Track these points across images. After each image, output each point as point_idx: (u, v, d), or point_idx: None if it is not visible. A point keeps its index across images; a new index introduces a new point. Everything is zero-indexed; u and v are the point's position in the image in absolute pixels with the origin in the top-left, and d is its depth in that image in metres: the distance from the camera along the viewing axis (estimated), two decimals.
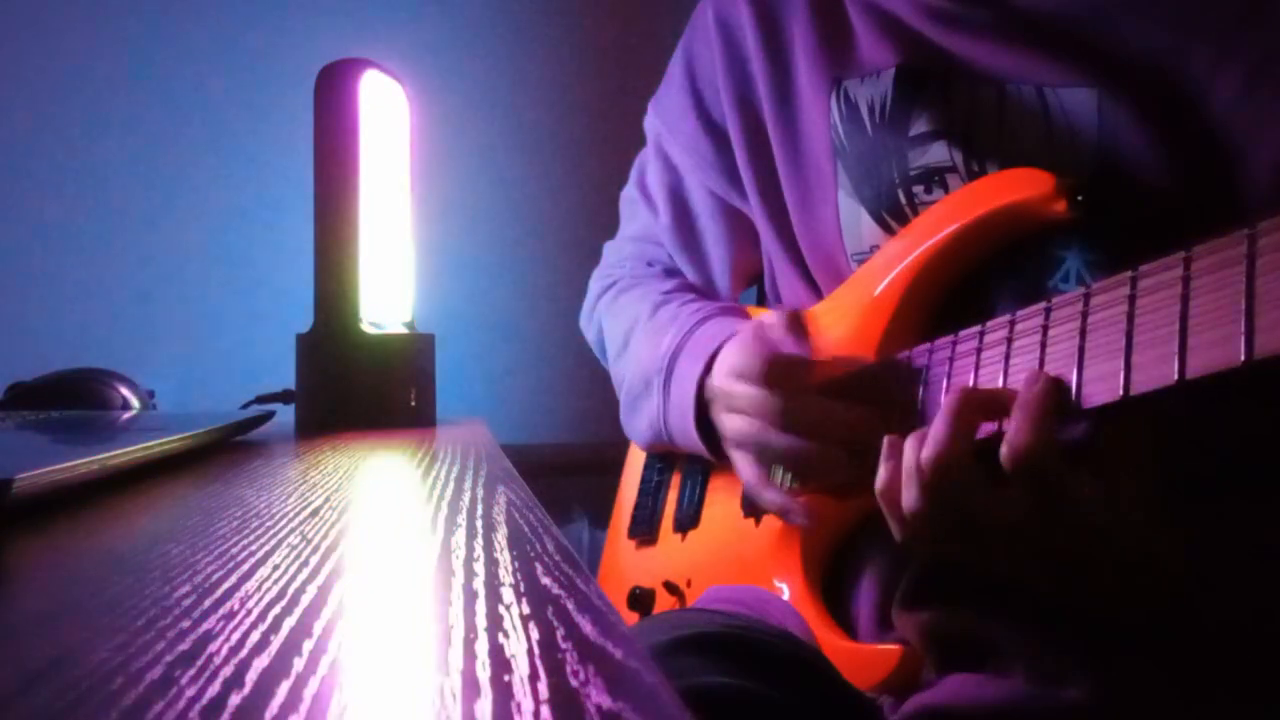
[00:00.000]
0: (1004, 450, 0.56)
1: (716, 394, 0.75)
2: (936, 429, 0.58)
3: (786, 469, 0.73)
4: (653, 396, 0.85)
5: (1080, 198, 0.63)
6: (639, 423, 0.89)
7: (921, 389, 0.66)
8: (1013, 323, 0.60)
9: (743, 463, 0.74)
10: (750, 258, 0.91)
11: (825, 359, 0.71)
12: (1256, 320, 0.47)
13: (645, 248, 1.01)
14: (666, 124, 0.93)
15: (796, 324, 0.71)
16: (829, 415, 0.69)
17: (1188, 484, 0.62)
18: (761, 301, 0.95)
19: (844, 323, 0.76)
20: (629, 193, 1.02)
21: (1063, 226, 0.65)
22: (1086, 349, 0.55)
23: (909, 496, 0.59)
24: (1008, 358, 0.60)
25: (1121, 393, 0.52)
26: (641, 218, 1.00)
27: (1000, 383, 0.59)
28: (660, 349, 0.84)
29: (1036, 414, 0.56)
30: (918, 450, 0.59)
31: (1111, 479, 0.58)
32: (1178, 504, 0.61)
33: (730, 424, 0.74)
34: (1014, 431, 0.56)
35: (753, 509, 0.81)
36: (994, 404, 0.59)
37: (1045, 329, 0.58)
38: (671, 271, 0.98)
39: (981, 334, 0.62)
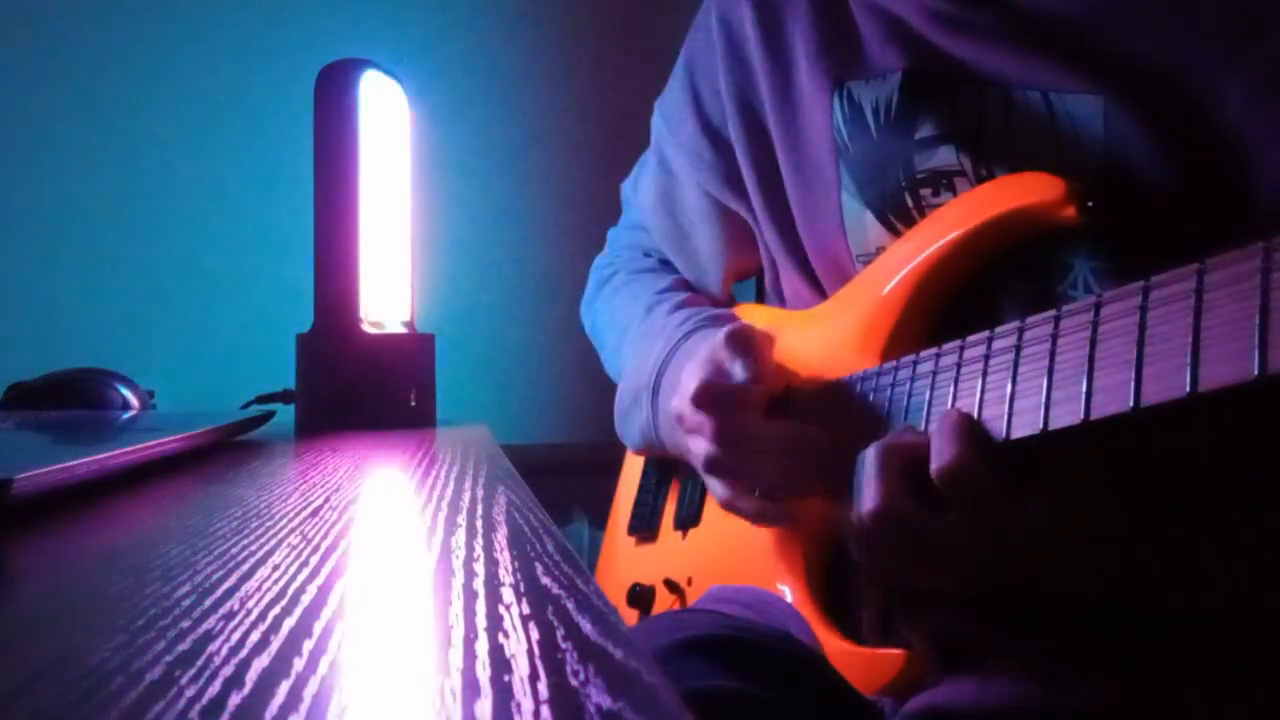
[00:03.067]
0: (932, 467, 0.59)
1: (674, 416, 0.77)
2: (869, 482, 0.61)
3: (742, 485, 0.75)
4: (643, 409, 0.87)
5: (1090, 203, 0.63)
6: (631, 430, 0.91)
7: (928, 392, 0.66)
8: (1021, 330, 0.60)
9: (709, 480, 0.77)
10: (742, 259, 0.92)
11: (761, 381, 0.73)
12: (1271, 335, 0.46)
13: (642, 236, 1.03)
14: (668, 124, 0.94)
15: (742, 343, 0.73)
16: (764, 434, 0.72)
17: (1146, 505, 0.62)
18: (760, 296, 0.95)
19: (849, 323, 0.76)
20: (630, 183, 1.05)
21: (1072, 232, 0.65)
22: (1097, 359, 0.54)
23: (858, 550, 0.63)
24: (1016, 365, 0.59)
25: (1132, 404, 0.52)
26: (637, 211, 1.02)
27: (1008, 390, 0.59)
28: (648, 363, 0.86)
29: (951, 431, 0.59)
30: (859, 497, 0.62)
31: (1060, 500, 0.60)
32: (1131, 526, 0.62)
33: (690, 445, 0.77)
34: (936, 449, 0.59)
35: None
36: (915, 447, 0.62)
37: (1054, 337, 0.57)
38: (668, 262, 1.00)
39: (990, 340, 0.62)
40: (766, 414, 0.73)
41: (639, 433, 0.89)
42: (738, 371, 0.73)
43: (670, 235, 0.97)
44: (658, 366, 0.85)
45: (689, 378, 0.75)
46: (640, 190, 1.01)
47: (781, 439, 0.71)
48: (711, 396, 0.72)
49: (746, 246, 0.90)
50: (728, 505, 0.76)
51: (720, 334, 0.75)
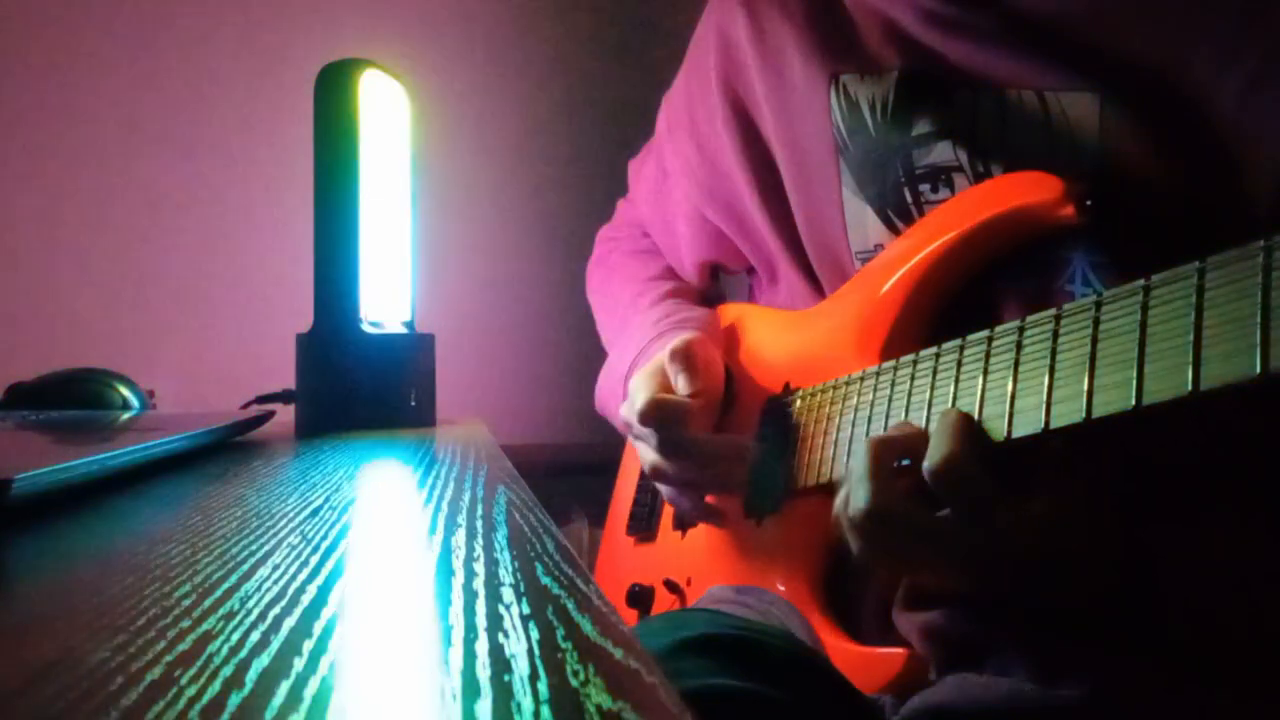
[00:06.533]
0: (925, 466, 0.59)
1: (623, 421, 0.85)
2: (860, 480, 0.62)
3: (682, 489, 0.83)
4: (618, 399, 0.92)
5: (1089, 202, 0.63)
6: (613, 415, 0.96)
7: (929, 392, 0.66)
8: (1021, 329, 0.60)
9: (655, 480, 0.84)
10: (718, 259, 0.98)
11: (701, 396, 0.80)
12: (1272, 334, 0.46)
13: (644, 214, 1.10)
14: (668, 124, 0.96)
15: (684, 357, 0.81)
16: (695, 445, 0.79)
17: (1145, 504, 0.62)
18: (751, 295, 0.96)
19: (847, 322, 0.76)
20: (638, 161, 1.10)
21: (1070, 230, 0.65)
22: (1098, 357, 0.54)
23: (854, 544, 0.63)
24: (1017, 364, 0.59)
25: (1134, 402, 0.51)
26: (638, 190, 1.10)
27: (1009, 388, 0.59)
28: (624, 360, 0.93)
29: (949, 430, 0.60)
30: (850, 495, 0.63)
31: (1060, 499, 0.60)
32: (1130, 523, 0.61)
33: (636, 448, 0.85)
34: (932, 448, 0.60)
35: (753, 510, 0.81)
36: (908, 443, 0.64)
37: (1055, 336, 0.57)
38: None
39: (990, 339, 0.62)
40: (715, 425, 0.82)
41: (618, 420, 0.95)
42: (681, 386, 0.80)
43: (657, 226, 1.04)
44: (627, 371, 0.92)
45: (636, 390, 0.82)
46: (641, 176, 1.07)
47: (716, 449, 0.80)
48: (656, 410, 0.78)
49: (724, 249, 0.94)
50: (670, 501, 0.86)
51: (666, 350, 0.82)
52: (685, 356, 0.81)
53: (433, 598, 0.29)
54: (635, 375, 0.85)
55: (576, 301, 1.12)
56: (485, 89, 1.89)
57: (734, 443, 0.81)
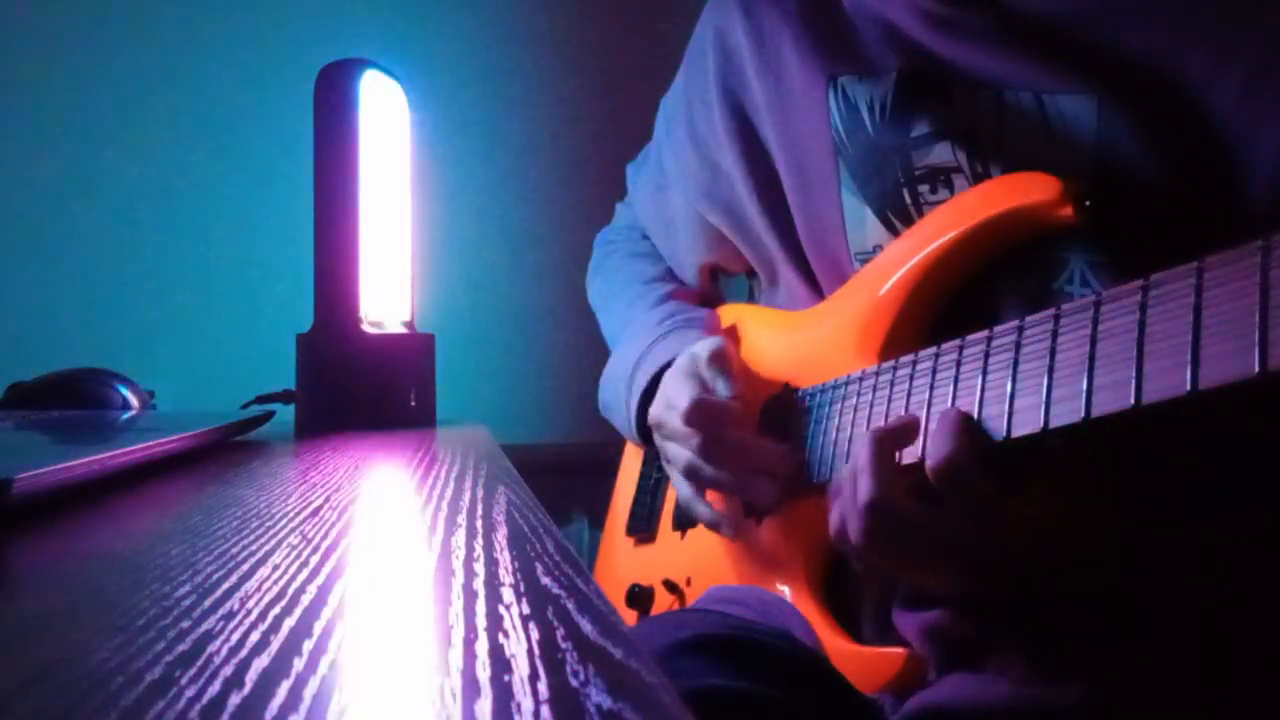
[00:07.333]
0: (927, 465, 0.60)
1: (653, 421, 0.83)
2: (863, 472, 0.63)
3: (716, 492, 0.81)
4: (622, 401, 0.92)
5: (1087, 203, 0.63)
6: (617, 419, 0.96)
7: (928, 392, 0.66)
8: (1021, 329, 0.60)
9: (678, 481, 0.82)
10: (720, 260, 0.97)
11: (741, 398, 0.78)
12: (1271, 332, 0.46)
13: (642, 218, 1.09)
14: (666, 125, 0.96)
15: (721, 359, 0.80)
16: (742, 449, 0.77)
17: (1144, 503, 0.62)
18: (751, 296, 0.97)
19: (846, 323, 0.76)
20: (635, 166, 1.10)
21: (1069, 231, 0.65)
22: (1097, 357, 0.54)
23: (853, 530, 0.63)
24: (1016, 364, 0.59)
25: (1133, 401, 0.52)
26: (637, 194, 1.08)
27: (1009, 388, 0.59)
28: (627, 360, 0.92)
29: (949, 429, 0.60)
30: (854, 488, 0.63)
31: (1059, 498, 0.61)
32: (1129, 524, 0.62)
33: (666, 450, 0.82)
34: (932, 447, 0.60)
35: (753, 510, 0.81)
36: (907, 434, 0.64)
37: (1055, 335, 0.57)
38: None
39: (989, 339, 0.62)
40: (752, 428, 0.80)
41: (622, 421, 0.94)
42: (720, 388, 0.78)
43: (656, 229, 1.03)
44: (631, 369, 0.91)
45: (676, 392, 0.80)
46: (640, 180, 1.06)
47: (761, 455, 0.77)
48: (702, 412, 0.77)
49: (724, 251, 0.93)
50: (688, 507, 0.82)
51: (703, 352, 0.80)
52: (723, 359, 0.80)
53: (433, 598, 0.29)
54: (671, 377, 0.82)
55: (576, 301, 1.12)
56: (485, 89, 1.89)
57: (779, 448, 0.78)
